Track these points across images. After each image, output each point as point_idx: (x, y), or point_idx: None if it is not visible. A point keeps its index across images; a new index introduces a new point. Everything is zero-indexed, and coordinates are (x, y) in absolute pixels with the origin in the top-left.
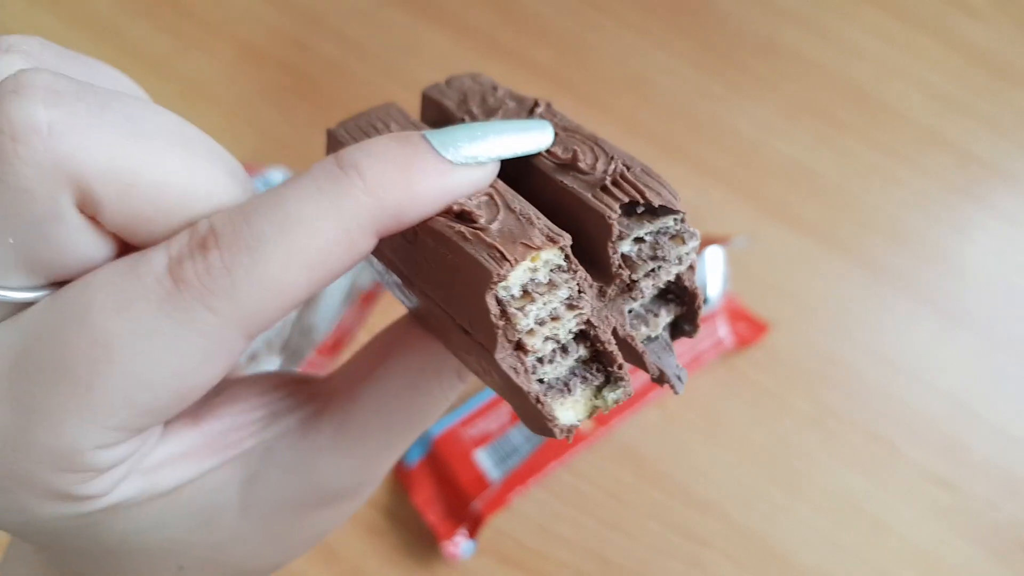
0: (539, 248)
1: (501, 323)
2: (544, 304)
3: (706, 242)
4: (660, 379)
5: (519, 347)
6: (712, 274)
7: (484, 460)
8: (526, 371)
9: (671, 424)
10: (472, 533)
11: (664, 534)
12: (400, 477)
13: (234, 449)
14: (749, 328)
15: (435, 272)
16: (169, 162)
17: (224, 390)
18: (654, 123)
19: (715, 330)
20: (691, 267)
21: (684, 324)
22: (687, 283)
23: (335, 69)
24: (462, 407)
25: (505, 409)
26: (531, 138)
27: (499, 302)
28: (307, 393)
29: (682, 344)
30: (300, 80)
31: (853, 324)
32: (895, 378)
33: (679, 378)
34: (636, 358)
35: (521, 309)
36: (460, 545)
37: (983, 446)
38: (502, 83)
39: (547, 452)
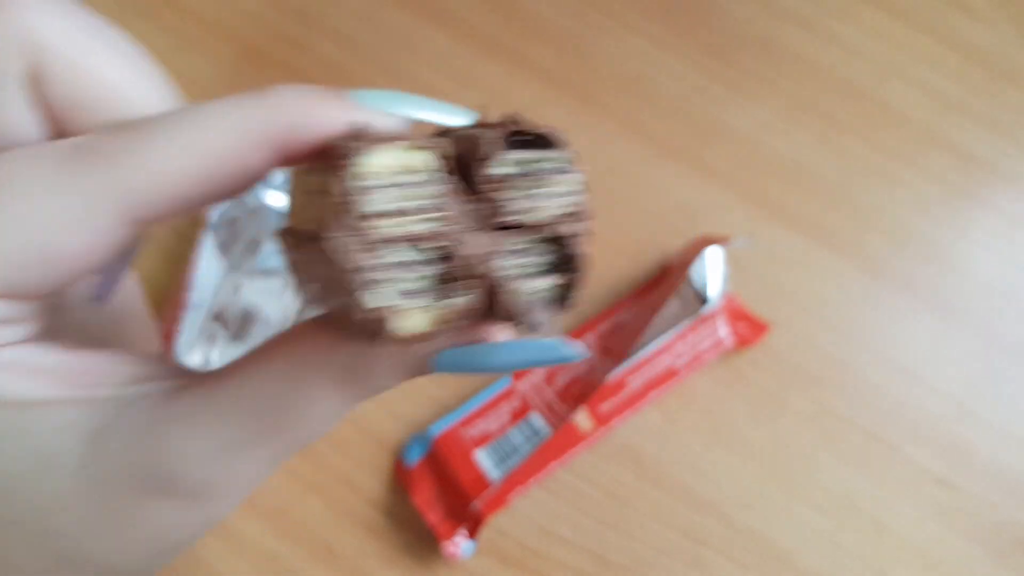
0: (408, 140)
1: (348, 199)
2: (402, 196)
3: (706, 242)
4: (513, 315)
5: (361, 229)
6: (712, 274)
7: (484, 460)
8: (359, 250)
9: (671, 424)
10: (472, 533)
11: (664, 534)
12: (400, 476)
13: (90, 389)
14: (749, 328)
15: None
16: (116, 65)
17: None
18: (654, 123)
19: (715, 330)
20: (578, 234)
21: (566, 294)
22: (575, 249)
23: (334, 68)
24: (462, 407)
25: (506, 409)
26: (449, 113)
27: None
28: (185, 371)
29: (683, 345)
30: (300, 79)
31: (853, 324)
32: (895, 378)
33: (539, 323)
34: (496, 299)
35: (372, 193)
36: (460, 545)
37: (983, 446)
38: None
39: (547, 452)
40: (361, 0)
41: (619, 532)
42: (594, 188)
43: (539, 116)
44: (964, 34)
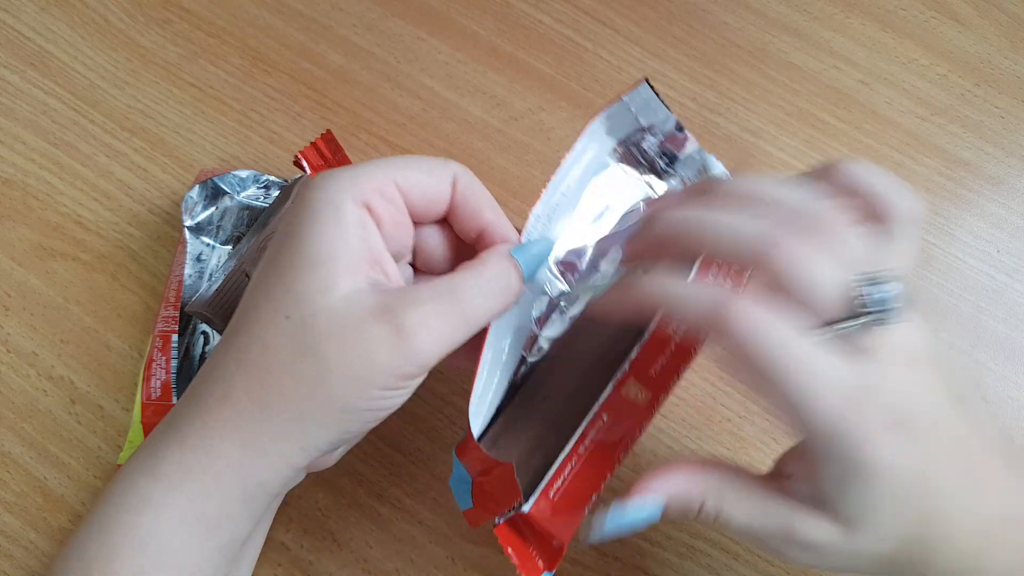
0: None
1: None
2: None
3: None
4: None
5: None
6: None
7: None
8: None
9: (665, 419)
10: (552, 564)
11: (658, 526)
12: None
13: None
14: None
15: None
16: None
17: None
18: None
19: None
20: None
21: None
22: None
23: (341, 77)
24: None
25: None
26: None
27: None
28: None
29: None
30: (307, 87)
31: None
32: None
33: None
34: None
35: None
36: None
37: None
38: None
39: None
40: (366, 10)
41: None
42: None
43: (538, 122)
44: (951, 42)
